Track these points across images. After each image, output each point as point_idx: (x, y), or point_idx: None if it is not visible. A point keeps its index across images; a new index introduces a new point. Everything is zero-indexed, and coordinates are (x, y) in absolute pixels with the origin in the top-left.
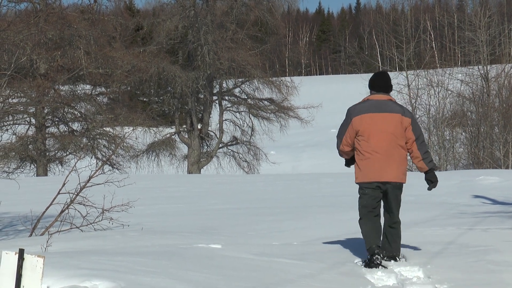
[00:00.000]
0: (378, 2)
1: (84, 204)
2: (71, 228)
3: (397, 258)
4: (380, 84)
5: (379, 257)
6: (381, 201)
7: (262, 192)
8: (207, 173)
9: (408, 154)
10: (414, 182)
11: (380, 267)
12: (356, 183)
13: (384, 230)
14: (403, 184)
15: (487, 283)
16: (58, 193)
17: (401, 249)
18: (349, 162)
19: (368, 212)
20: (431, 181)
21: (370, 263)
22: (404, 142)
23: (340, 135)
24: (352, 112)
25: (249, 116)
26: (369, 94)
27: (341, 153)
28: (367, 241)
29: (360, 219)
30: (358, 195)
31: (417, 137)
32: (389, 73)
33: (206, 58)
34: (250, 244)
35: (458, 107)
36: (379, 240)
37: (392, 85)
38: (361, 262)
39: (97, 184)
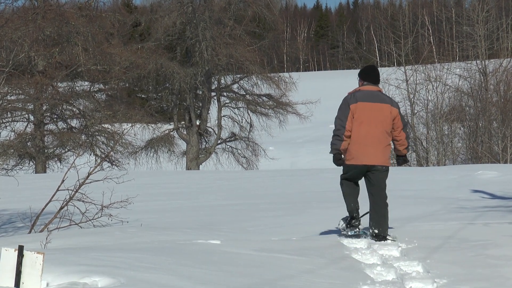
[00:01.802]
0: None
1: (83, 201)
2: (70, 225)
3: (388, 237)
4: (372, 76)
5: (358, 220)
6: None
7: (261, 188)
8: (206, 169)
9: (394, 141)
10: (414, 177)
11: (358, 229)
12: (346, 164)
13: (372, 209)
14: (388, 168)
15: (487, 278)
16: (57, 190)
17: (397, 238)
18: (339, 159)
19: (347, 179)
20: (405, 161)
21: (350, 224)
22: (390, 130)
23: (341, 122)
24: (349, 100)
25: (248, 112)
26: (360, 85)
27: (344, 139)
28: (348, 204)
29: (340, 182)
30: (343, 168)
31: (404, 125)
32: (387, 68)
33: (204, 54)
34: (249, 239)
35: (457, 102)
36: (357, 202)
37: (380, 79)
38: (342, 224)
39: (96, 181)
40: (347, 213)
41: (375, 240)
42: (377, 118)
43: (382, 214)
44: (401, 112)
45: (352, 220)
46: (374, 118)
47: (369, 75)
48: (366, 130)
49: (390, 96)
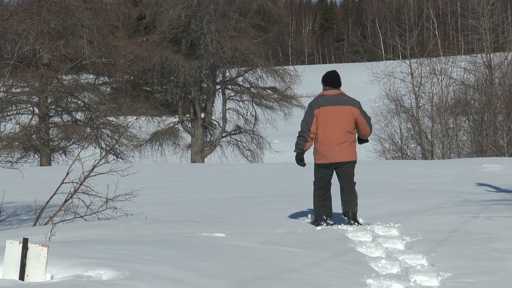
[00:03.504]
0: None
1: (87, 194)
2: (75, 218)
3: (356, 218)
4: (333, 81)
5: (321, 224)
6: (332, 176)
7: (266, 180)
8: (211, 162)
9: (361, 134)
10: (418, 170)
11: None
12: (316, 163)
13: (342, 194)
14: (355, 161)
15: (491, 271)
16: (62, 182)
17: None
18: (301, 160)
19: (321, 188)
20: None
21: (315, 223)
22: (353, 129)
23: (307, 125)
24: (313, 106)
25: (252, 105)
26: (323, 89)
27: (308, 140)
28: (316, 215)
29: (314, 191)
30: (314, 170)
31: (367, 121)
32: (392, 61)
33: (209, 47)
34: (254, 232)
35: (462, 95)
36: (327, 214)
37: (341, 82)
38: (310, 221)
39: (101, 174)
40: (314, 223)
41: (346, 219)
42: (340, 120)
43: (353, 197)
44: (363, 109)
45: (317, 222)
46: (337, 120)
47: (330, 81)
48: (331, 131)
49: (355, 97)
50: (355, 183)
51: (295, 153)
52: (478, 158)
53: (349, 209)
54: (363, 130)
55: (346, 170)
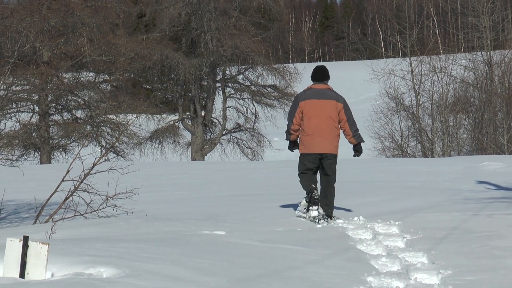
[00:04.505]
0: None
1: (88, 191)
2: (75, 215)
3: (331, 217)
4: (319, 75)
5: (316, 191)
6: (318, 168)
7: (266, 178)
8: (211, 160)
9: (342, 131)
10: (419, 168)
11: (318, 203)
12: (300, 153)
13: (322, 192)
14: (336, 155)
15: (492, 269)
16: (62, 180)
17: (339, 219)
18: (292, 146)
19: (306, 170)
20: (357, 151)
21: (310, 200)
22: (337, 123)
23: (291, 117)
24: (299, 98)
25: (253, 103)
26: (312, 83)
27: (291, 133)
28: (305, 187)
29: (299, 177)
30: (298, 161)
31: (348, 118)
32: (392, 59)
33: (209, 45)
34: (254, 230)
35: (462, 93)
36: (315, 184)
37: (329, 75)
38: (306, 200)
39: (101, 171)
40: (307, 195)
41: (323, 219)
42: (324, 113)
43: (329, 198)
44: (348, 106)
45: (311, 194)
46: (322, 113)
47: (317, 75)
48: (316, 123)
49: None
50: (334, 180)
51: (287, 141)
52: (478, 156)
53: (327, 213)
54: (343, 126)
55: (327, 163)
